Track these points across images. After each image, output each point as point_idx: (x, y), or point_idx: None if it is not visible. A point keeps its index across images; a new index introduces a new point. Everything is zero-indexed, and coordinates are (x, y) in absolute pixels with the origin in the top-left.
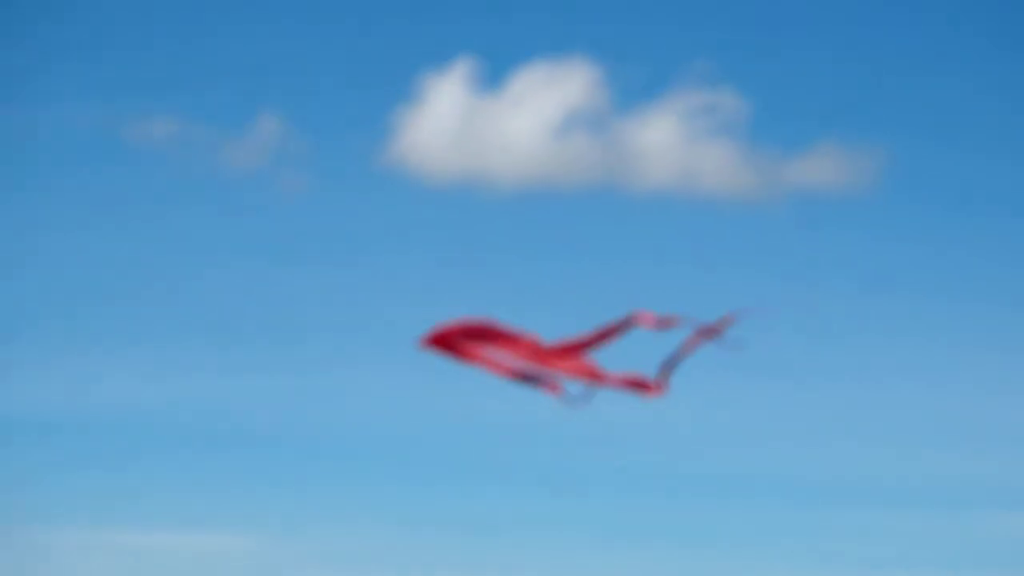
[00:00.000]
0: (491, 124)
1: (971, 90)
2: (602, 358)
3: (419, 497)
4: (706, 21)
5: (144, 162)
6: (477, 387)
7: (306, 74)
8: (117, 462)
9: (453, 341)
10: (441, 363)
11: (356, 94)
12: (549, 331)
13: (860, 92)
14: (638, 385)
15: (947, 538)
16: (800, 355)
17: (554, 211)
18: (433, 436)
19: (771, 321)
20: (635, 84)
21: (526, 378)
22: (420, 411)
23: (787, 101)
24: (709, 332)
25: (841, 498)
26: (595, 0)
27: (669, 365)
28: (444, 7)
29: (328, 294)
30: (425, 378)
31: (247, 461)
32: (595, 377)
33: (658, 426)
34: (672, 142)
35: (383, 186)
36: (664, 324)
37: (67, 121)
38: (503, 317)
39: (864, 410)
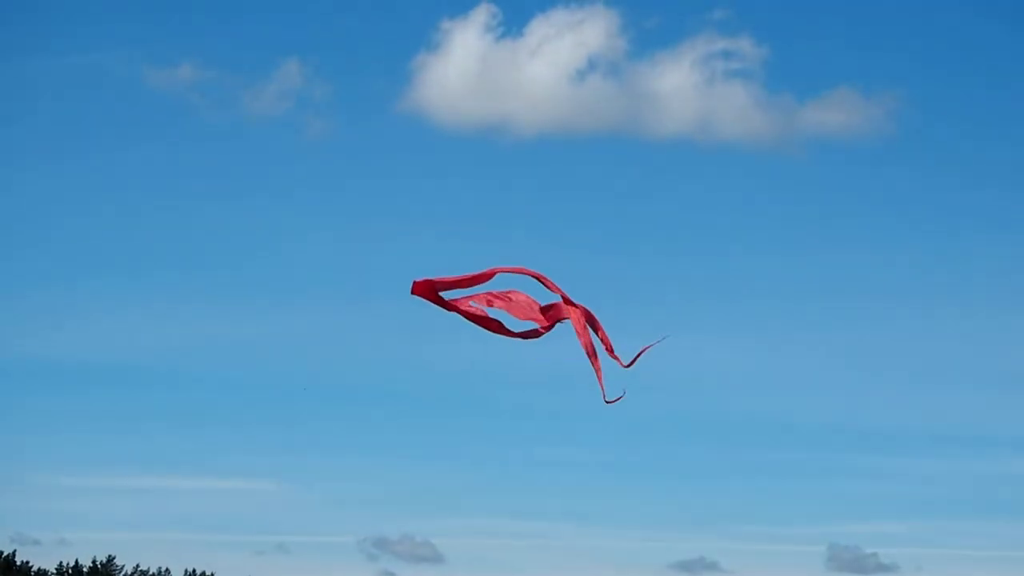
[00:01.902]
0: (510, 70)
1: (986, 34)
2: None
3: (427, 438)
4: None
5: (168, 107)
6: (481, 336)
7: (328, 21)
8: (126, 411)
9: (436, 293)
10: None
11: (378, 40)
12: (565, 272)
13: (875, 39)
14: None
15: (956, 482)
16: (812, 303)
17: (573, 156)
18: (447, 380)
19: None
20: (652, 31)
21: (519, 333)
22: (436, 357)
23: (803, 48)
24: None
25: (846, 443)
26: None
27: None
28: None
29: (347, 239)
30: (447, 323)
31: (262, 407)
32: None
33: (660, 372)
34: (689, 88)
35: (404, 132)
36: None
37: (93, 67)
38: (521, 260)
39: (875, 355)
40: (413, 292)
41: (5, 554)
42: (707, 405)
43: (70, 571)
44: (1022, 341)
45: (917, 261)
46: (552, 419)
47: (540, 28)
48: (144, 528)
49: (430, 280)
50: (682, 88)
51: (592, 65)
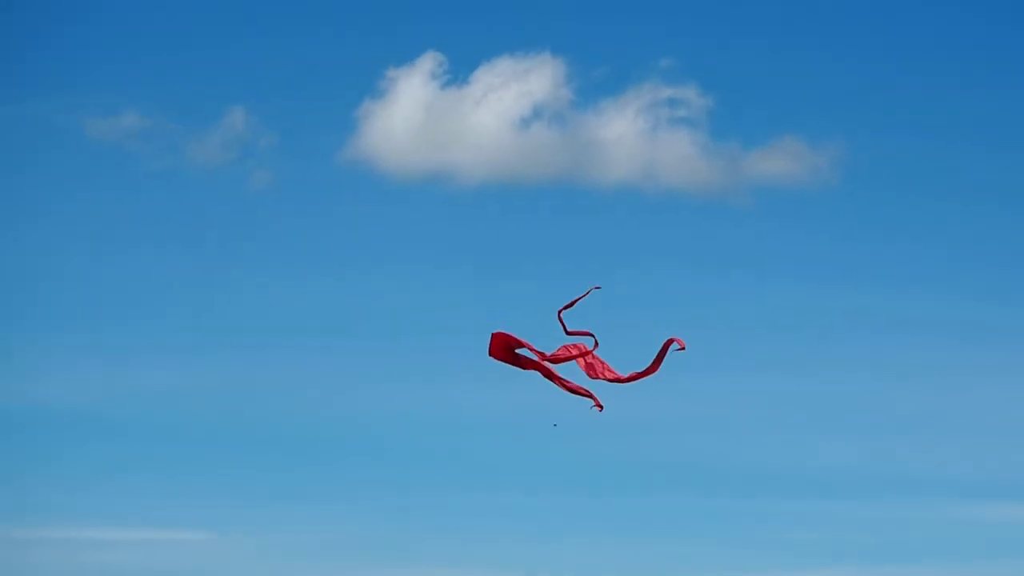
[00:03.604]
0: (456, 119)
1: (929, 86)
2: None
3: (369, 490)
4: (669, 19)
5: (109, 156)
6: (432, 382)
7: (273, 69)
8: (69, 458)
9: (510, 351)
10: (401, 359)
11: (323, 88)
12: (513, 324)
13: (820, 88)
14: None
15: (903, 528)
16: (759, 346)
17: (518, 205)
18: (397, 428)
19: (728, 313)
20: (599, 80)
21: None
22: (382, 405)
23: (748, 97)
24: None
25: (792, 489)
26: None
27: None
28: (410, 3)
29: (292, 291)
30: (394, 372)
31: (204, 456)
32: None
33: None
34: (634, 137)
35: (349, 182)
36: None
37: (32, 116)
38: (467, 310)
39: (820, 401)
40: (492, 350)
41: None
42: (647, 450)
43: None
44: (967, 388)
45: (863, 306)
46: (498, 465)
47: (486, 76)
48: None
49: (509, 337)
50: (627, 136)
51: (537, 113)
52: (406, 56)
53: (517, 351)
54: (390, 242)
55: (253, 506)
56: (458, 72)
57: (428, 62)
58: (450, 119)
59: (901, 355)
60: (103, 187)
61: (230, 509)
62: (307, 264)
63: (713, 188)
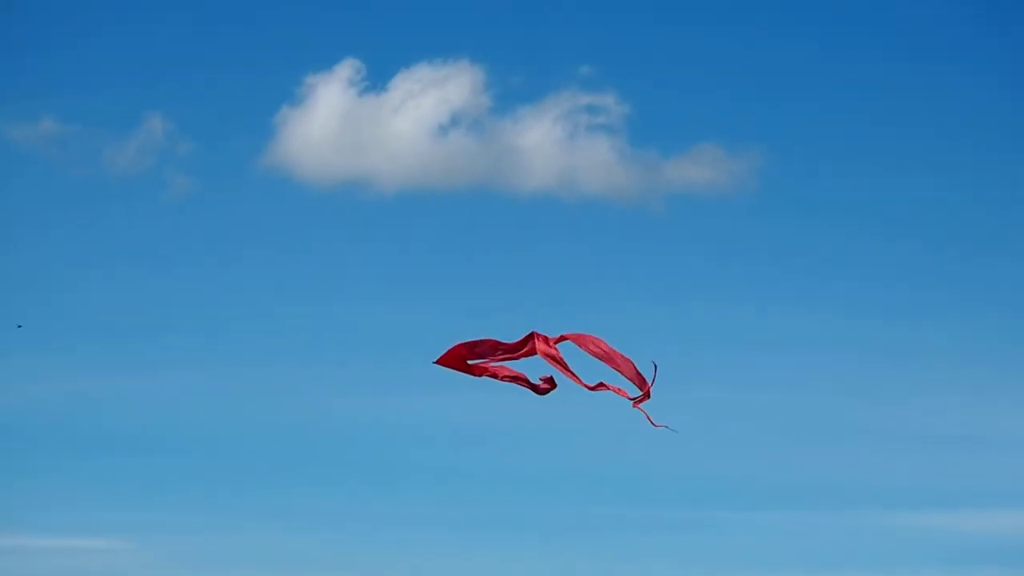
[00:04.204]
0: (374, 126)
1: (845, 97)
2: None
3: (289, 496)
4: (588, 27)
5: (27, 162)
6: (351, 385)
7: (192, 75)
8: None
9: (461, 359)
10: (321, 366)
11: (242, 95)
12: (432, 330)
13: (737, 97)
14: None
15: (825, 537)
16: (679, 355)
17: (435, 211)
18: (310, 437)
19: (645, 321)
20: (517, 87)
21: (531, 383)
22: (294, 412)
23: (667, 105)
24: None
25: (720, 501)
26: (480, 5)
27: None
28: (328, 9)
29: (210, 297)
30: (310, 378)
31: (125, 464)
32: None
33: (523, 430)
34: (553, 144)
35: (266, 189)
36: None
37: None
38: (387, 316)
39: (735, 414)
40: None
41: None
42: (562, 461)
43: None
44: (893, 393)
45: (783, 312)
46: (423, 476)
47: (404, 83)
48: None
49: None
50: (545, 143)
51: (455, 120)
52: (324, 63)
53: (471, 360)
54: (306, 250)
55: (169, 514)
56: (376, 79)
57: (346, 69)
58: (368, 126)
59: (814, 367)
60: (21, 194)
61: (144, 516)
62: (225, 272)
63: (632, 195)
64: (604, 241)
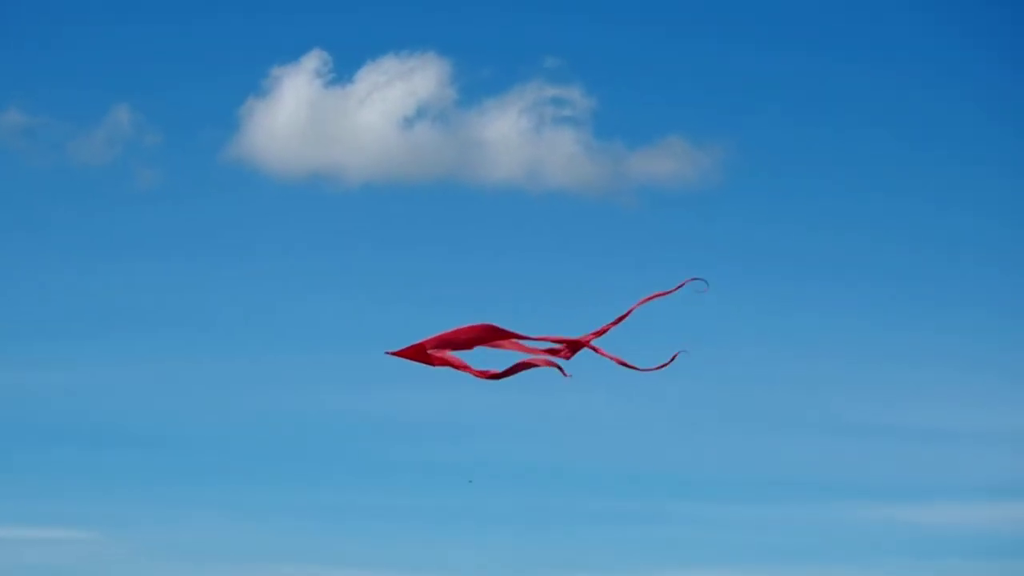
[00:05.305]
0: (340, 118)
1: (811, 92)
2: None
3: (260, 489)
4: (554, 19)
5: None
6: (318, 379)
7: (157, 65)
8: None
9: (419, 352)
10: (294, 358)
11: (207, 86)
12: (393, 323)
13: (704, 89)
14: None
15: (798, 530)
16: (643, 347)
17: (402, 204)
18: (279, 429)
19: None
20: (483, 79)
21: (493, 374)
22: (263, 405)
23: (632, 97)
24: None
25: (691, 493)
26: None
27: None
28: (295, 0)
29: (177, 288)
30: (276, 371)
31: (96, 456)
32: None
33: (492, 421)
34: (519, 136)
35: (232, 181)
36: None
37: None
38: (352, 309)
39: (704, 408)
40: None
41: None
42: (527, 453)
43: None
44: (857, 388)
45: (751, 306)
46: (387, 466)
47: (370, 75)
48: None
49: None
50: (511, 135)
51: (421, 112)
52: (291, 54)
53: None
54: (272, 241)
55: (139, 505)
56: (343, 71)
57: (313, 60)
58: (334, 118)
59: (783, 360)
60: None
61: (114, 507)
62: (191, 263)
63: (598, 187)
64: (570, 233)
